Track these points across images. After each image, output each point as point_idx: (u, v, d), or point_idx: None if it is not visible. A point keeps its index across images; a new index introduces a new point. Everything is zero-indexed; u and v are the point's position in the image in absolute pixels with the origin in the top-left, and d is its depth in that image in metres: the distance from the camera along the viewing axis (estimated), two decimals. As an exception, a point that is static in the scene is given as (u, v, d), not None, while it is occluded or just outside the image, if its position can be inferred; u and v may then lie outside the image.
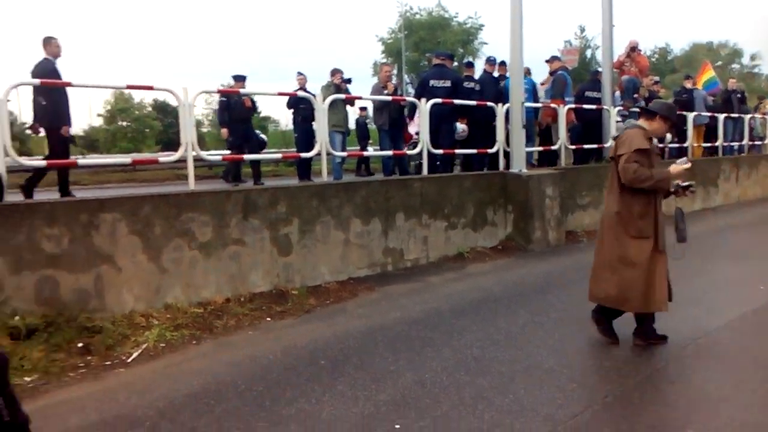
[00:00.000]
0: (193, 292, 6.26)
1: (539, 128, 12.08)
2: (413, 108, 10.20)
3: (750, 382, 4.39)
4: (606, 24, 12.36)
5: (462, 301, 6.58)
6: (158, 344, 5.35)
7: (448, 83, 10.03)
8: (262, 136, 15.58)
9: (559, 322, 5.79)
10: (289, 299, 6.61)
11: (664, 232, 4.94)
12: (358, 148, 16.77)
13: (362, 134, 17.66)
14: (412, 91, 28.01)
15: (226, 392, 4.35)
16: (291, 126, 14.25)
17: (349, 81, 11.27)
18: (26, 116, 27.81)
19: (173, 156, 7.15)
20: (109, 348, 5.20)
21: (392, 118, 10.49)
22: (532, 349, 5.07)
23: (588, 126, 11.81)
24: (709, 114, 14.84)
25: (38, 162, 7.99)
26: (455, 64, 18.01)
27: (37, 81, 7.51)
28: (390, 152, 10.34)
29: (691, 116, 13.92)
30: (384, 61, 34.97)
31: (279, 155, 13.84)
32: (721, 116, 14.86)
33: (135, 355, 5.15)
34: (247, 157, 11.07)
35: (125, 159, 14.77)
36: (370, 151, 15.61)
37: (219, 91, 12.61)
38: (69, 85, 7.61)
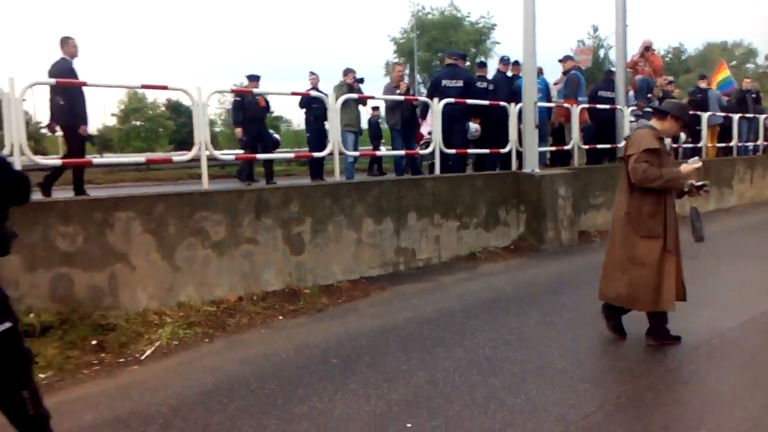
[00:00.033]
0: (206, 291, 6.29)
1: (552, 128, 12.04)
2: (426, 108, 10.19)
3: (764, 382, 4.36)
4: (619, 23, 12.31)
5: (474, 301, 6.57)
6: (171, 342, 5.39)
7: (460, 83, 10.03)
8: (276, 135, 15.63)
9: (572, 322, 5.77)
10: (302, 298, 6.64)
11: (674, 232, 4.92)
12: (371, 147, 16.78)
13: (375, 134, 17.67)
14: (423, 90, 28.03)
15: (238, 390, 4.37)
16: (303, 126, 14.25)
17: (361, 81, 11.28)
18: (41, 115, 28.05)
19: (187, 155, 7.19)
20: (122, 345, 5.25)
21: (404, 118, 10.48)
22: (544, 349, 5.05)
23: (601, 126, 11.77)
24: (723, 114, 14.72)
25: (53, 161, 8.05)
26: (467, 63, 17.96)
27: (53, 80, 7.57)
28: (402, 152, 10.35)
29: (705, 116, 13.83)
30: (396, 60, 34.92)
31: (291, 155, 13.86)
32: (736, 116, 14.74)
33: (148, 352, 5.19)
34: (260, 156, 11.13)
35: (140, 158, 14.85)
36: (383, 150, 15.61)
37: (232, 91, 12.68)
38: (84, 84, 7.67)
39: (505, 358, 4.88)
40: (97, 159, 10.36)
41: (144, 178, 16.83)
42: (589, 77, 16.91)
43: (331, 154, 8.06)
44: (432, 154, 9.01)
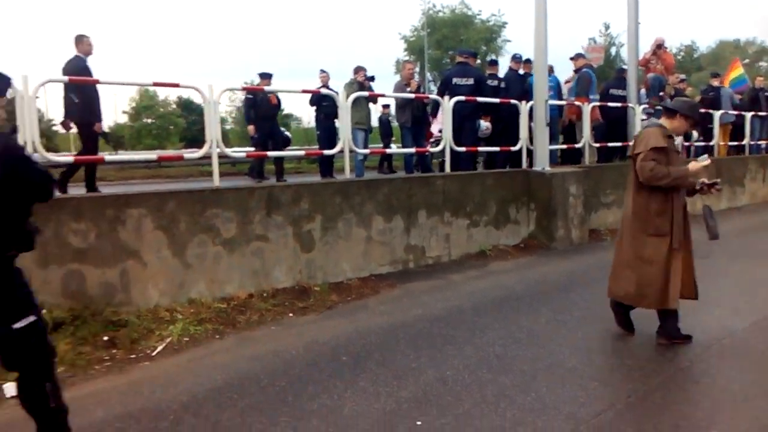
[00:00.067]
0: (216, 287, 6.32)
1: (563, 126, 12.00)
2: (436, 106, 10.17)
3: (776, 383, 4.34)
4: (631, 21, 12.24)
5: (484, 299, 6.56)
6: (182, 338, 5.42)
7: (471, 81, 10.01)
8: (287, 133, 15.65)
9: (582, 320, 5.75)
10: (312, 295, 6.65)
11: (681, 230, 4.91)
12: (381, 145, 16.76)
13: (385, 132, 17.65)
14: (434, 89, 27.99)
15: (249, 387, 4.39)
16: (313, 123, 14.28)
17: (372, 78, 11.26)
18: (53, 113, 28.25)
19: (198, 153, 7.22)
20: (134, 342, 5.28)
21: (415, 116, 10.46)
22: (554, 348, 5.04)
23: (613, 124, 11.71)
24: (735, 112, 14.63)
25: (65, 158, 8.10)
26: (478, 62, 17.92)
27: (65, 78, 7.61)
28: (413, 150, 10.34)
29: (717, 114, 13.74)
30: (407, 58, 34.92)
31: (302, 152, 13.88)
32: (748, 114, 14.64)
33: (159, 348, 5.22)
34: (271, 153, 11.16)
35: (152, 155, 14.93)
36: (393, 148, 15.60)
37: (244, 89, 12.72)
38: (97, 82, 7.72)
39: (515, 356, 4.88)
40: (109, 156, 10.39)
41: (155, 175, 16.89)
42: (601, 75, 16.83)
43: (341, 151, 8.07)
44: (442, 152, 9.01)
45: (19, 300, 3.10)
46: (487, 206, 8.88)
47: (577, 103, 11.14)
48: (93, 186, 8.37)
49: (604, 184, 10.67)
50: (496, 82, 10.99)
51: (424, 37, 34.66)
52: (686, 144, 12.22)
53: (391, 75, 36.33)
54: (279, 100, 12.55)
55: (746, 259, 8.24)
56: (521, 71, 11.64)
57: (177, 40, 78.65)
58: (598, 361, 4.89)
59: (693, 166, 4.88)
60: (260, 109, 11.95)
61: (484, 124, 10.37)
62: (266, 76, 12.09)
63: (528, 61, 11.53)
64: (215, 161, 6.82)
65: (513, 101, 9.91)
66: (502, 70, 11.79)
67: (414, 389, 4.27)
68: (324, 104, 11.44)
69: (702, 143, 13.56)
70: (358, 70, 11.11)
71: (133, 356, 5.08)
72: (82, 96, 8.08)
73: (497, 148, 10.15)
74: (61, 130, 10.17)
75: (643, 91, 13.15)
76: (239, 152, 11.54)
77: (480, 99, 9.62)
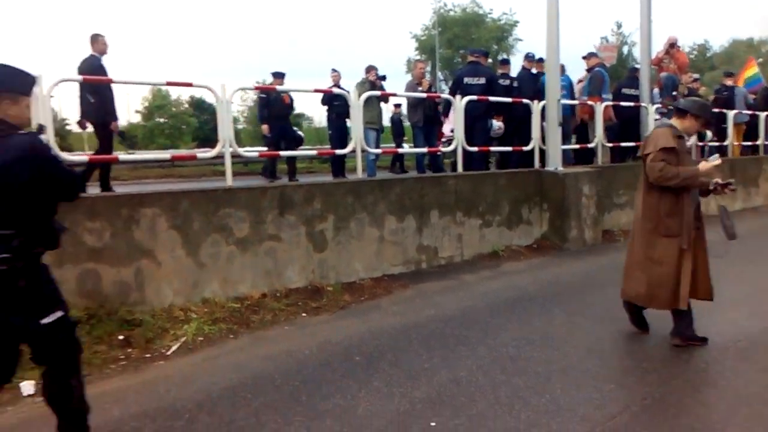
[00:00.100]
0: (230, 287, 6.34)
1: (575, 125, 11.94)
2: (448, 106, 10.16)
3: (793, 386, 4.31)
4: (644, 20, 12.15)
5: (497, 300, 6.55)
6: (196, 338, 5.44)
7: (482, 80, 9.99)
8: (300, 132, 15.68)
9: (596, 322, 5.73)
10: (324, 295, 6.66)
11: (691, 231, 4.88)
12: (393, 145, 16.76)
13: (397, 131, 17.66)
14: (445, 88, 27.99)
15: (263, 386, 4.40)
16: (325, 123, 14.29)
17: (383, 78, 11.26)
18: (67, 112, 28.41)
19: (211, 152, 7.24)
20: (149, 341, 5.31)
21: (427, 116, 10.45)
22: (568, 349, 5.03)
23: (625, 124, 11.64)
24: (749, 112, 14.51)
25: (79, 158, 8.14)
26: (489, 61, 17.89)
27: (80, 77, 7.64)
28: (424, 149, 10.33)
29: (731, 114, 13.64)
30: (418, 58, 34.92)
31: (314, 152, 13.89)
32: (763, 114, 14.52)
33: (174, 348, 5.25)
34: (283, 153, 11.18)
35: (165, 155, 14.99)
36: (405, 148, 15.59)
37: (256, 88, 12.74)
38: (111, 81, 7.76)
39: (529, 357, 4.87)
40: (123, 156, 10.43)
41: (168, 174, 16.97)
42: (613, 74, 16.74)
43: (353, 151, 8.06)
44: (454, 151, 8.99)
45: (46, 296, 3.17)
46: (500, 206, 8.86)
47: (589, 102, 11.09)
48: (107, 185, 8.42)
49: (617, 184, 10.62)
50: (508, 82, 10.96)
51: (435, 36, 34.63)
52: (700, 144, 12.13)
53: (402, 74, 36.37)
54: (292, 100, 12.57)
55: (762, 260, 8.18)
56: (534, 70, 11.59)
57: (189, 39, 78.81)
58: (613, 362, 4.87)
59: (703, 166, 4.85)
60: (273, 109, 11.98)
61: (497, 124, 10.35)
62: (279, 76, 12.09)
63: (541, 60, 11.47)
64: (228, 161, 6.83)
65: (525, 101, 9.88)
66: (514, 69, 11.76)
67: (427, 390, 4.27)
68: (335, 104, 11.44)
69: (716, 143, 13.47)
70: (370, 69, 11.11)
71: (148, 355, 5.11)
72: (97, 95, 8.14)
73: (509, 148, 10.12)
74: (75, 130, 10.22)
75: (656, 90, 13.06)
76: (252, 152, 11.58)
77: (492, 98, 9.60)
